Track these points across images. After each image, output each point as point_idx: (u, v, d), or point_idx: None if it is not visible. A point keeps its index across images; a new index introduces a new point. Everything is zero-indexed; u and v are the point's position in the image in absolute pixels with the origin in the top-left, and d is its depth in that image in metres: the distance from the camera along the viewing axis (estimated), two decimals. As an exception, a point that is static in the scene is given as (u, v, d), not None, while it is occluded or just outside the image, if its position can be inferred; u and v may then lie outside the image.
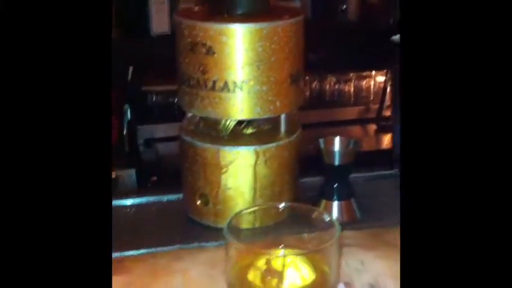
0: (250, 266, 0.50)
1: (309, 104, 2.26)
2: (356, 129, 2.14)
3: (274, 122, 0.73)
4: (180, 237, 0.71)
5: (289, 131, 0.73)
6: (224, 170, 0.70)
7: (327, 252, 0.49)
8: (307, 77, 2.27)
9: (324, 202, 0.74)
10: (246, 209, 0.53)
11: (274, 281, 0.49)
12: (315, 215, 0.53)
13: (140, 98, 2.01)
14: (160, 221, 0.76)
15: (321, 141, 0.75)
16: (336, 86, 2.35)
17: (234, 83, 0.66)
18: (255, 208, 0.54)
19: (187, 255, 0.66)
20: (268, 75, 0.67)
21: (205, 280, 0.61)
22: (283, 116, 0.71)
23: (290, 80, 0.69)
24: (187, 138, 0.72)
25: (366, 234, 0.72)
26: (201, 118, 0.72)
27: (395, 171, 0.86)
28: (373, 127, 2.19)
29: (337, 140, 0.75)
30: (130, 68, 2.05)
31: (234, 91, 0.67)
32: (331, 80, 2.36)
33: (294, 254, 0.48)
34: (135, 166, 1.73)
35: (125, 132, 1.96)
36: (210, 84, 0.67)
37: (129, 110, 2.00)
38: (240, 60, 0.65)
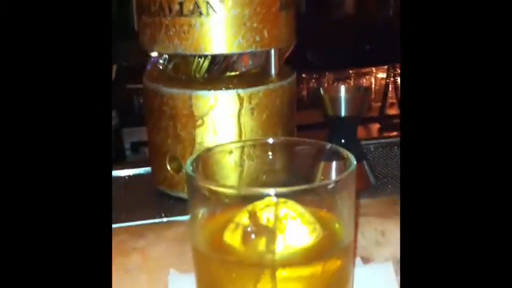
0: (226, 223, 0.34)
1: (307, 103, 2.11)
2: (358, 129, 2.00)
3: (264, 63, 0.57)
4: (144, 211, 0.55)
5: (282, 75, 0.58)
6: (199, 122, 0.54)
7: (337, 196, 0.33)
8: (303, 75, 2.14)
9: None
10: (221, 145, 0.37)
11: (262, 241, 0.33)
12: (326, 149, 0.37)
13: (126, 99, 1.88)
14: (124, 195, 0.60)
15: (322, 89, 0.59)
16: (335, 84, 2.21)
17: (207, 3, 0.51)
18: (236, 144, 0.38)
19: (150, 231, 0.50)
20: (251, -6, 0.52)
21: (170, 260, 0.45)
22: (273, 52, 0.56)
23: (279, 3, 0.54)
24: (152, 86, 0.56)
25: (384, 202, 0.56)
26: (169, 59, 0.57)
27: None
28: (376, 126, 2.05)
29: (342, 87, 0.60)
30: (114, 66, 1.92)
31: (207, 15, 0.51)
32: (329, 78, 2.22)
33: (288, 194, 0.32)
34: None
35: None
36: (175, 7, 0.52)
37: (114, 112, 1.87)
38: (213, -27, 0.50)
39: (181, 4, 0.51)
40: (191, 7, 0.51)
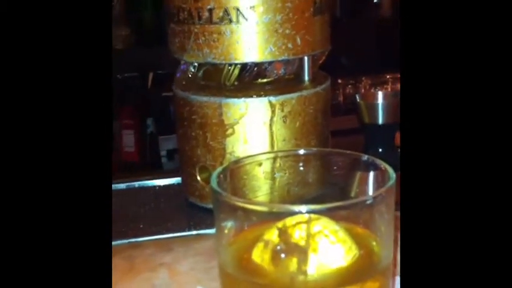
0: (255, 241, 0.32)
1: (343, 109, 2.08)
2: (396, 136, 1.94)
3: (297, 70, 0.55)
4: (173, 224, 0.54)
5: (316, 81, 0.55)
6: (229, 131, 0.52)
7: (375, 211, 0.31)
8: (339, 80, 2.10)
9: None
10: (250, 156, 0.36)
11: (293, 262, 0.30)
12: (362, 161, 0.34)
13: (162, 107, 1.89)
14: (152, 206, 0.59)
15: (358, 96, 0.57)
16: (372, 90, 2.16)
17: (237, 10, 0.49)
18: (265, 156, 0.36)
19: (178, 245, 0.48)
20: (283, -1, 0.50)
21: (197, 275, 0.43)
22: (306, 59, 0.54)
23: (313, 8, 0.52)
24: (181, 93, 0.55)
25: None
26: (199, 66, 0.55)
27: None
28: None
29: (379, 93, 0.57)
30: (150, 75, 1.93)
31: (237, 22, 0.50)
32: (366, 83, 2.17)
33: (323, 211, 0.30)
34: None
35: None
36: (205, 14, 0.50)
37: (150, 120, 1.89)
38: (243, -22, 0.49)
39: (210, 11, 0.50)
40: (221, 14, 0.49)
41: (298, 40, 0.51)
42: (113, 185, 0.63)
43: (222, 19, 0.50)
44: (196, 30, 0.51)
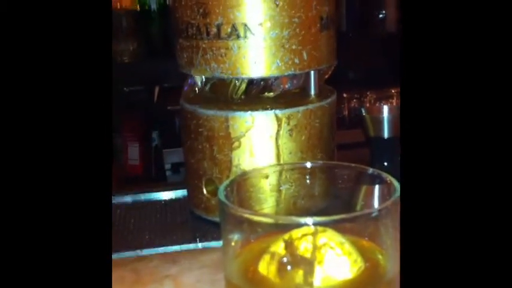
0: (261, 253, 0.33)
1: (349, 123, 2.08)
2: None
3: (303, 84, 0.56)
4: (178, 237, 0.54)
5: (322, 95, 0.56)
6: (236, 144, 0.53)
7: (381, 224, 0.31)
8: (344, 94, 2.11)
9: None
10: (256, 169, 0.36)
11: (299, 273, 0.31)
12: (367, 174, 0.35)
13: (167, 120, 1.90)
14: (157, 219, 0.59)
15: (363, 109, 0.57)
16: (377, 104, 2.16)
17: (245, 26, 0.50)
18: (272, 169, 0.36)
19: (184, 257, 0.49)
20: (290, 15, 0.50)
21: (203, 287, 0.43)
22: (312, 73, 0.54)
23: (320, 24, 0.52)
24: (188, 107, 0.55)
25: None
26: (207, 80, 0.56)
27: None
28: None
29: (384, 107, 0.57)
30: (156, 88, 1.94)
31: (245, 37, 0.50)
32: (371, 97, 2.18)
33: (328, 223, 0.30)
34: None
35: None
36: (213, 30, 0.51)
37: (155, 133, 1.90)
38: (251, -6, 0.49)
39: (218, 27, 0.50)
40: (229, 30, 0.50)
41: (305, 55, 0.52)
42: (118, 198, 0.63)
43: (229, 35, 0.51)
44: (204, 45, 0.52)
